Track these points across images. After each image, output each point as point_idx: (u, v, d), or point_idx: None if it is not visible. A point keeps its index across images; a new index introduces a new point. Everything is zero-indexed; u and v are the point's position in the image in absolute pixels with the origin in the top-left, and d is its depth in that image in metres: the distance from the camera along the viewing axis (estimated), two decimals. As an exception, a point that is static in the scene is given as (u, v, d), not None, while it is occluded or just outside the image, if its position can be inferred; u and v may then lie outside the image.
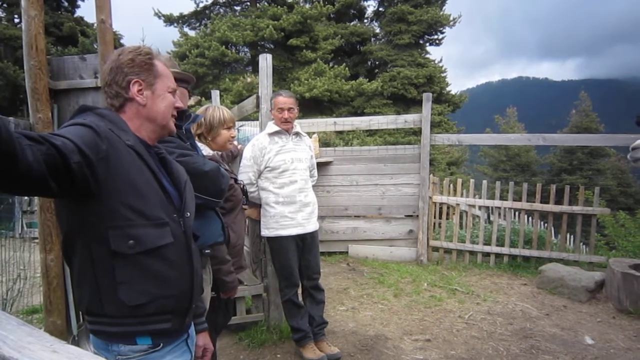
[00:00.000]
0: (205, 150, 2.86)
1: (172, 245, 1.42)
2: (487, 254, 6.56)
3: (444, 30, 23.27)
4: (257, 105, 4.18)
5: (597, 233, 6.87)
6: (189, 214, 1.51)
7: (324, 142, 11.38)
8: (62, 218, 1.37)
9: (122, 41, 20.84)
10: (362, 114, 18.98)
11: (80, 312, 3.42)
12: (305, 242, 3.65)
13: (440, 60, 23.39)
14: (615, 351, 3.83)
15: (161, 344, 1.42)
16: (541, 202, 6.35)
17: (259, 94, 4.13)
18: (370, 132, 17.64)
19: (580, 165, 26.65)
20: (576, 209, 6.11)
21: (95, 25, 3.32)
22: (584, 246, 7.51)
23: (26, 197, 10.88)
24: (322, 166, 6.68)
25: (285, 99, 3.58)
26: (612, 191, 24.07)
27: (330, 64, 21.24)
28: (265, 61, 4.09)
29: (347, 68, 20.57)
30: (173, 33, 22.66)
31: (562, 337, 4.12)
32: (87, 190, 1.22)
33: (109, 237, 1.29)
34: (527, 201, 6.48)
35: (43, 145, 1.06)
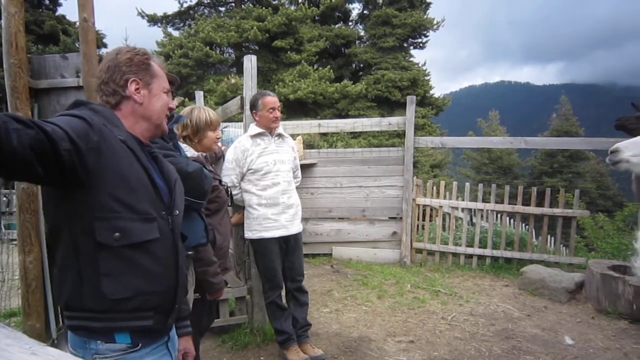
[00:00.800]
0: (190, 151, 2.84)
1: (158, 241, 1.42)
2: (470, 256, 6.62)
3: (427, 34, 23.48)
4: (242, 107, 4.16)
5: (577, 235, 6.98)
6: (177, 212, 1.53)
7: (308, 144, 11.37)
8: (49, 209, 1.38)
9: (104, 40, 20.59)
10: (347, 116, 19.03)
11: (60, 311, 3.37)
12: (288, 244, 3.64)
13: (424, 64, 23.60)
14: (594, 351, 3.90)
15: (140, 344, 1.40)
16: (523, 205, 6.43)
17: (244, 95, 4.11)
18: (355, 135, 17.69)
19: (560, 168, 27.06)
20: (557, 211, 6.20)
21: (77, 23, 3.27)
22: (564, 248, 7.61)
23: (4, 198, 10.70)
24: (306, 168, 6.68)
25: (274, 99, 3.59)
26: (591, 194, 24.50)
27: (315, 66, 21.27)
28: (250, 62, 4.08)
29: (331, 70, 20.61)
30: (157, 33, 22.49)
31: (542, 337, 4.17)
32: (75, 179, 1.22)
33: (94, 228, 1.29)
34: (509, 203, 6.56)
35: (32, 130, 1.07)
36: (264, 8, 20.36)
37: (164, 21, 22.99)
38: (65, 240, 1.33)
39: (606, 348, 3.95)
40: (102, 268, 1.31)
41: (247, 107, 4.05)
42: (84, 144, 1.20)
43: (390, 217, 6.93)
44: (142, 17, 22.11)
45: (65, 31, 19.12)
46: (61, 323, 3.37)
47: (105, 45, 19.53)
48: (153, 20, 22.55)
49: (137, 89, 1.51)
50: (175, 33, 22.59)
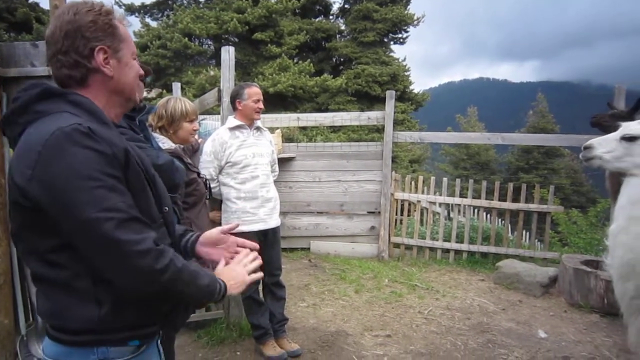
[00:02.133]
0: (167, 143, 2.79)
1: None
2: (447, 250, 6.67)
3: (408, 29, 23.57)
4: (219, 99, 4.11)
5: (551, 230, 7.10)
6: (167, 208, 1.42)
7: (288, 138, 11.32)
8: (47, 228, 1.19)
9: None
10: (327, 110, 19.01)
11: (30, 307, 3.28)
12: (267, 238, 3.60)
13: (404, 59, 23.71)
14: (566, 344, 3.97)
15: (145, 345, 1.32)
16: (499, 200, 6.50)
17: (221, 87, 4.05)
18: (334, 129, 17.69)
19: (536, 164, 27.54)
20: (532, 206, 6.29)
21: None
22: (539, 243, 7.74)
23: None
24: (284, 162, 6.64)
25: (259, 90, 3.55)
26: (565, 190, 24.99)
27: (295, 60, 21.19)
28: (228, 54, 4.02)
29: (311, 64, 20.54)
30: (134, 23, 22.07)
31: (517, 331, 4.23)
32: None
33: None
34: (486, 199, 6.63)
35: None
36: (244, 0, 20.16)
37: (141, 11, 22.60)
38: (76, 263, 1.18)
39: (578, 341, 4.02)
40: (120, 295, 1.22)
41: (225, 99, 4.00)
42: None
43: (368, 212, 6.94)
44: (120, 6, 21.60)
45: (38, 19, 18.66)
46: (31, 319, 3.29)
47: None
48: (130, 9, 22.11)
49: (105, 59, 1.27)
50: (153, 23, 22.22)
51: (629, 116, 3.40)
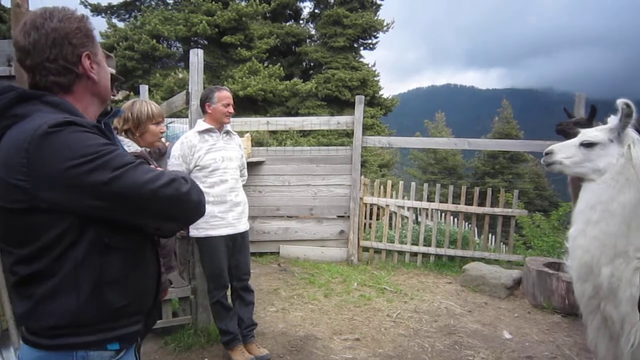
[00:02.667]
0: (134, 146, 2.74)
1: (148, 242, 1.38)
2: (415, 254, 6.76)
3: (377, 35, 23.78)
4: (187, 102, 4.06)
5: (515, 233, 7.28)
6: None
7: (257, 142, 11.27)
8: (38, 229, 1.20)
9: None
10: (297, 114, 19.01)
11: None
12: (235, 243, 3.58)
13: (374, 65, 23.93)
14: (530, 344, 4.07)
15: (124, 349, 1.32)
16: (465, 204, 6.64)
17: (189, 90, 4.01)
18: (304, 133, 17.70)
19: (502, 169, 28.19)
20: (497, 210, 6.44)
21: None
22: (504, 246, 7.92)
23: None
24: (254, 166, 6.61)
25: (229, 94, 3.54)
26: (529, 194, 25.63)
27: (265, 63, 21.11)
28: (196, 57, 3.99)
29: (282, 68, 20.52)
30: (100, 23, 21.57)
31: (482, 332, 4.32)
32: None
33: (103, 233, 1.22)
34: (453, 203, 6.75)
35: None
36: (213, 2, 19.99)
37: (108, 11, 22.16)
38: (60, 256, 1.19)
39: (541, 341, 4.14)
40: (105, 276, 1.23)
41: (193, 102, 3.96)
42: None
43: (338, 216, 6.97)
44: (85, 6, 21.15)
45: (0, 18, 18.05)
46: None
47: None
48: (96, 10, 21.65)
49: (91, 64, 1.31)
50: (120, 24, 21.79)
51: (589, 123, 3.53)
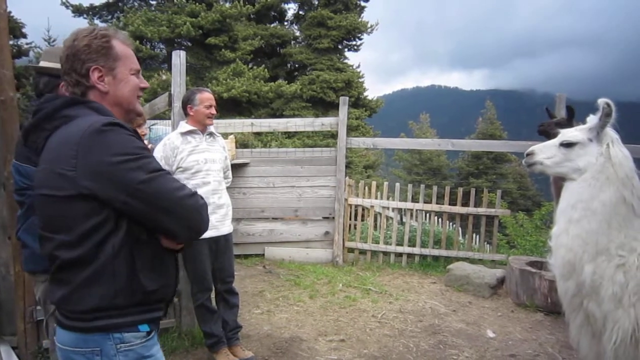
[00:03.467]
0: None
1: None
2: (400, 254, 6.78)
3: (362, 37, 23.83)
4: (170, 103, 4.03)
5: (499, 233, 7.35)
6: None
7: (242, 144, 11.23)
8: (78, 219, 1.36)
9: (24, 30, 19.23)
10: (282, 116, 18.97)
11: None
12: (219, 245, 3.55)
13: (358, 66, 23.96)
14: (513, 342, 4.11)
15: (153, 332, 1.50)
16: (449, 204, 6.68)
17: (172, 92, 3.98)
18: (289, 134, 17.67)
19: (485, 169, 28.46)
20: (480, 210, 6.49)
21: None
22: (488, 245, 7.99)
23: None
24: (238, 168, 6.57)
25: (211, 95, 3.52)
26: (513, 194, 25.92)
27: (250, 65, 21.02)
28: (179, 58, 3.96)
29: (266, 69, 20.45)
30: (82, 25, 21.28)
31: (467, 331, 4.34)
32: None
33: (135, 231, 1.40)
34: (437, 203, 6.78)
35: None
36: (197, 3, 19.83)
37: (90, 12, 21.82)
38: (100, 243, 1.35)
39: (524, 339, 4.17)
40: (138, 264, 1.40)
41: (176, 104, 3.92)
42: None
43: (323, 217, 6.96)
44: (67, 7, 20.85)
45: None
46: None
47: (24, 36, 18.27)
48: (78, 11, 21.34)
49: (100, 77, 1.47)
50: (103, 25, 21.50)
51: (569, 124, 3.57)
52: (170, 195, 1.36)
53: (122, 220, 1.37)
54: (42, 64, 2.43)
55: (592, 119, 2.27)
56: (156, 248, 1.46)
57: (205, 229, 1.50)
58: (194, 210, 1.42)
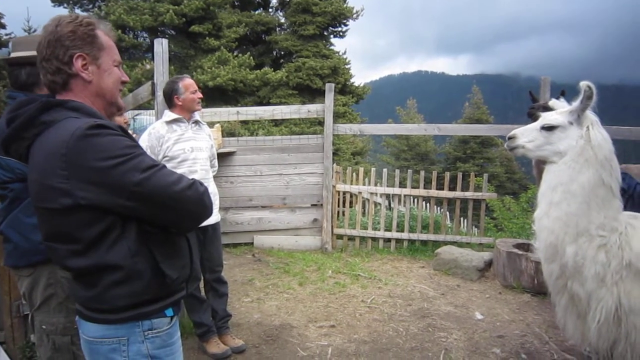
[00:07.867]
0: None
1: None
2: (388, 240, 6.82)
3: (347, 23, 23.76)
4: (153, 93, 3.98)
5: (486, 216, 7.41)
6: None
7: (229, 132, 11.17)
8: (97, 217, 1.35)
9: (3, 20, 18.87)
10: (268, 103, 18.89)
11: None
12: (206, 235, 3.54)
13: (344, 52, 23.88)
14: (501, 324, 4.17)
15: (176, 316, 1.56)
16: (437, 189, 6.71)
17: (155, 81, 3.94)
18: (276, 122, 17.61)
19: (473, 154, 28.66)
20: (467, 194, 6.53)
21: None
22: (475, 229, 8.07)
23: None
24: (225, 156, 6.54)
25: (192, 80, 3.48)
26: (500, 178, 26.18)
27: (235, 53, 20.87)
28: (161, 46, 3.91)
29: (251, 57, 20.32)
30: (63, 14, 20.86)
31: (455, 314, 4.40)
32: None
33: (145, 227, 1.41)
34: (424, 188, 6.82)
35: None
36: (180, -9, 19.61)
37: (70, 1, 21.49)
38: (112, 248, 1.35)
39: (511, 320, 4.24)
40: (157, 256, 1.41)
41: (159, 93, 3.87)
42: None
43: (311, 205, 6.97)
44: (47, -4, 20.53)
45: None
46: None
47: (3, 26, 17.93)
48: (59, 0, 21.00)
49: (84, 65, 1.42)
50: (84, 15, 21.15)
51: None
52: (169, 191, 1.34)
53: (130, 223, 1.37)
54: (18, 54, 2.31)
55: (574, 103, 2.29)
56: (168, 234, 1.46)
57: (209, 214, 1.51)
58: (194, 202, 1.41)
